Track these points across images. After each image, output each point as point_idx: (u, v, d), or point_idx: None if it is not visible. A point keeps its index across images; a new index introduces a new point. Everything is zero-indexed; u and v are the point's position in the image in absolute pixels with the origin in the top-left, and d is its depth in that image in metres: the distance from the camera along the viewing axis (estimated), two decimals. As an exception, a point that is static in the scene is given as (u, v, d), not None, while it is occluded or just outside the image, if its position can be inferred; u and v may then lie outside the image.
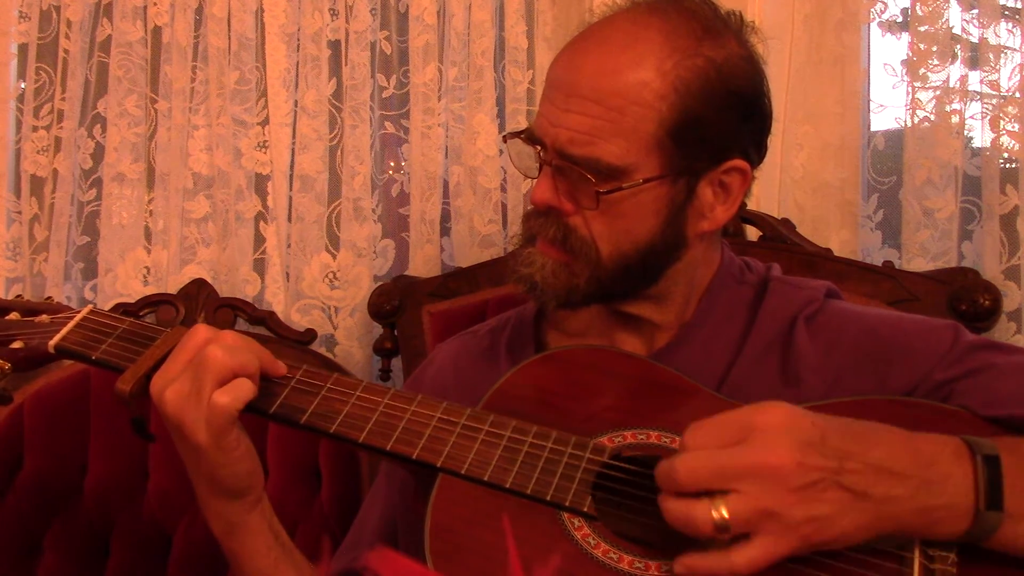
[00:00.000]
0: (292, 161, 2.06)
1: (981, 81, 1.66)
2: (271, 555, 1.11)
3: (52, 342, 1.10)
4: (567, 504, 0.93)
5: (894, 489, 0.83)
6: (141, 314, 1.95)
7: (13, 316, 1.14)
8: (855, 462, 0.83)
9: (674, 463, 0.83)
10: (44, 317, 1.13)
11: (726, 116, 1.06)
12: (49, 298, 1.24)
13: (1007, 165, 1.66)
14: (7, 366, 1.09)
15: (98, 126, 2.10)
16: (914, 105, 1.70)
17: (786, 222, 1.75)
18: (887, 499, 0.83)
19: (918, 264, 1.68)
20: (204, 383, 0.98)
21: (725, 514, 0.80)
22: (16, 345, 1.10)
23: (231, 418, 1.00)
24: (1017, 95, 1.63)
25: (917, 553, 0.86)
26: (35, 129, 2.10)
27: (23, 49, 2.12)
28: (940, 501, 0.84)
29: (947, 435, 0.88)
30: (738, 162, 1.08)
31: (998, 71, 1.64)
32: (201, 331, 1.03)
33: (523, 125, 1.91)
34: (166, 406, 1.00)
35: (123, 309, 1.94)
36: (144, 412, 1.06)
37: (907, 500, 0.84)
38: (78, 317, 1.13)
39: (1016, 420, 0.97)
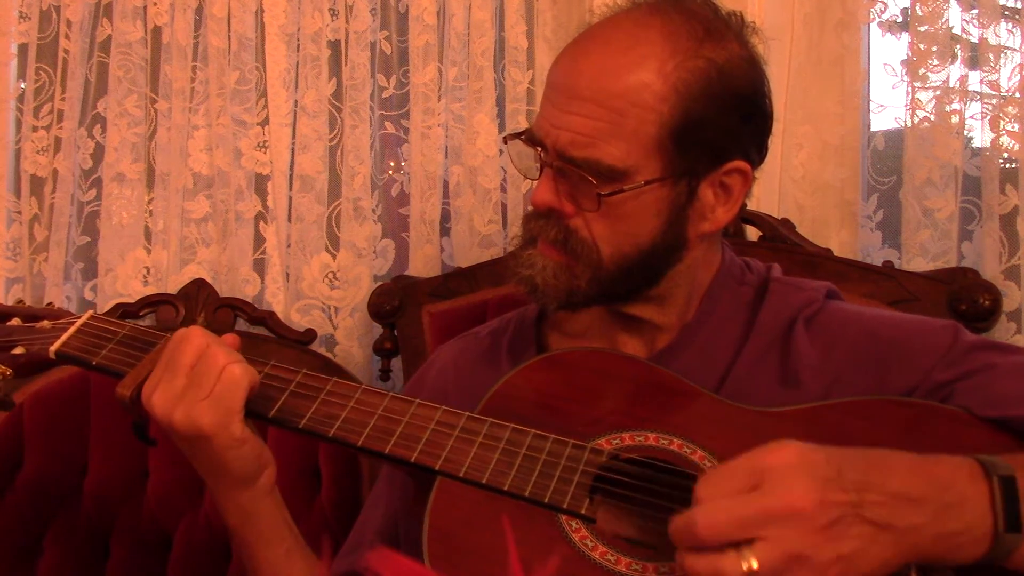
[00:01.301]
0: (292, 161, 2.06)
1: (981, 81, 1.65)
2: (284, 544, 1.12)
3: (53, 348, 1.11)
4: (565, 506, 0.93)
5: (915, 517, 0.81)
6: (141, 314, 1.95)
7: (15, 322, 1.15)
8: (875, 493, 0.81)
9: (692, 517, 0.79)
10: (45, 323, 1.14)
11: (727, 117, 1.06)
12: (50, 304, 1.24)
13: (1007, 165, 1.66)
14: (8, 372, 1.10)
15: (98, 126, 2.10)
16: (914, 105, 1.70)
17: (786, 222, 1.74)
18: (909, 528, 0.81)
19: (918, 264, 1.68)
20: (210, 369, 1.01)
21: (755, 565, 0.76)
22: (17, 351, 1.11)
23: (244, 390, 1.02)
24: (1017, 95, 1.63)
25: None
26: (35, 129, 2.11)
27: (23, 49, 2.13)
28: (960, 526, 0.82)
29: (960, 456, 0.86)
30: (739, 163, 1.08)
31: (998, 71, 1.64)
32: (196, 333, 1.04)
33: (523, 125, 1.91)
34: (154, 408, 1.02)
35: (123, 309, 1.94)
36: (145, 417, 1.06)
37: (928, 527, 0.81)
38: (79, 323, 1.13)
39: (1016, 421, 0.97)
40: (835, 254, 1.71)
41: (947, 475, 0.84)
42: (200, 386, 1.01)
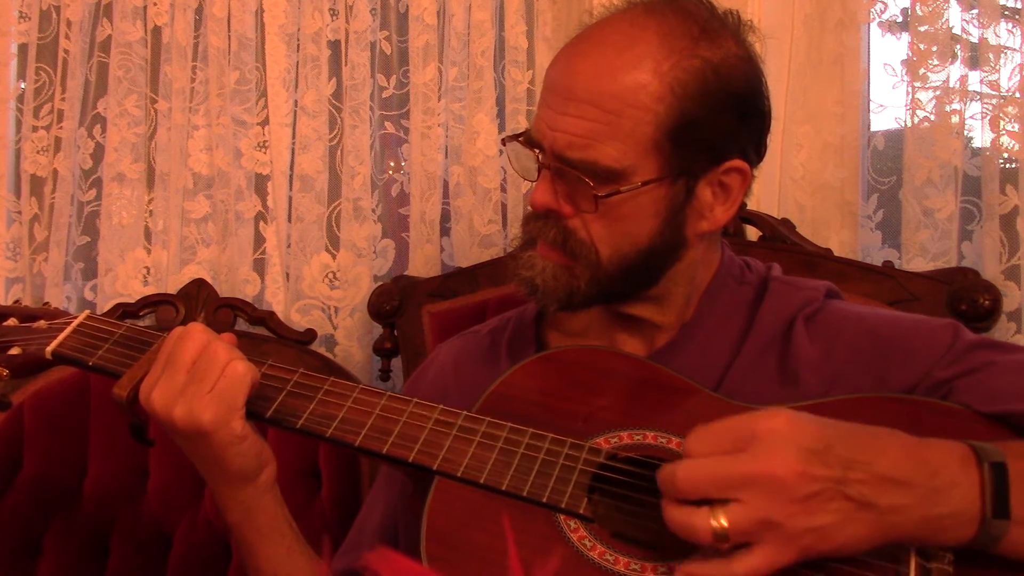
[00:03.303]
0: (292, 161, 2.06)
1: (981, 81, 1.65)
2: (285, 542, 1.12)
3: (49, 348, 1.10)
4: (563, 506, 0.93)
5: (899, 498, 0.82)
6: (141, 314, 1.95)
7: (11, 322, 1.14)
8: (860, 471, 0.82)
9: (675, 470, 0.83)
10: (42, 323, 1.14)
11: (724, 116, 1.06)
12: (47, 303, 1.24)
13: (1007, 165, 1.66)
14: (5, 372, 1.09)
15: (98, 126, 2.11)
16: (914, 105, 1.70)
17: (786, 222, 1.74)
18: (892, 509, 0.82)
19: (918, 264, 1.68)
20: (213, 365, 1.01)
21: (724, 523, 0.80)
22: (14, 351, 1.10)
23: (247, 386, 1.02)
24: (1017, 95, 1.63)
25: (913, 552, 0.86)
26: (35, 129, 2.11)
27: (23, 49, 2.13)
28: (946, 510, 0.83)
29: (954, 441, 0.87)
30: (737, 162, 1.08)
31: (998, 71, 1.64)
32: (197, 330, 1.04)
33: (523, 125, 1.92)
34: (153, 405, 1.02)
35: (123, 309, 1.94)
36: (142, 417, 1.06)
37: (912, 509, 0.83)
38: (75, 322, 1.13)
39: (1016, 416, 0.97)
40: (835, 254, 1.71)
41: (939, 459, 0.85)
42: (202, 382, 1.01)
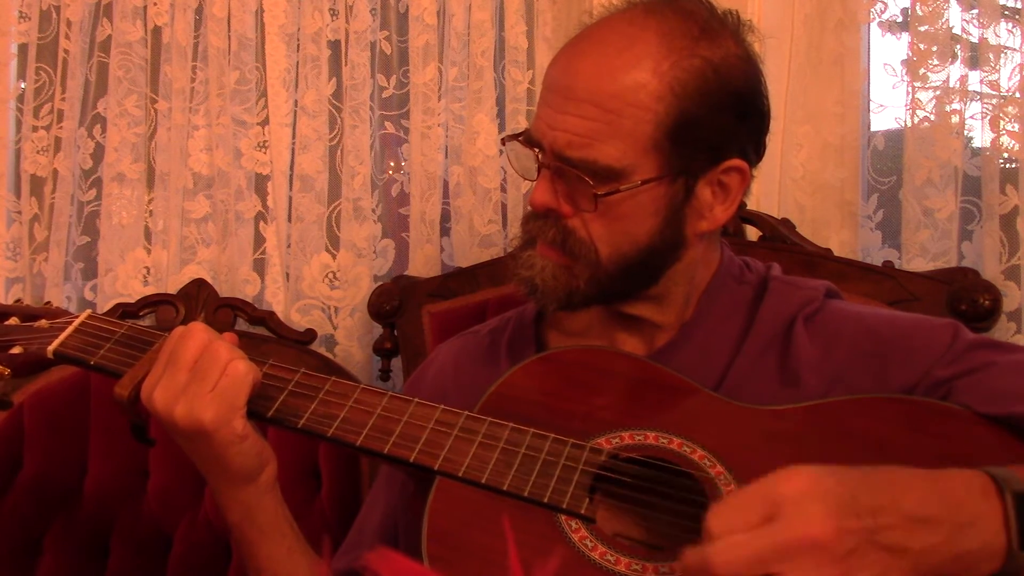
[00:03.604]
0: (292, 161, 2.06)
1: (981, 81, 1.65)
2: (285, 542, 1.12)
3: (51, 347, 1.10)
4: (564, 506, 0.93)
5: (930, 538, 0.79)
6: (141, 314, 1.95)
7: (12, 321, 1.14)
8: (888, 516, 0.78)
9: (708, 555, 0.76)
10: (43, 322, 1.14)
11: (723, 116, 1.06)
12: (48, 303, 1.24)
13: (1007, 165, 1.66)
14: (6, 371, 1.09)
15: (98, 126, 2.10)
16: (914, 105, 1.69)
17: (786, 222, 1.74)
18: (924, 551, 0.79)
19: (918, 264, 1.68)
20: (214, 364, 1.01)
21: None
22: (15, 350, 1.10)
23: (248, 386, 1.02)
24: (1017, 95, 1.63)
25: None
26: (35, 129, 2.11)
27: (23, 49, 2.13)
28: (974, 545, 0.80)
29: (971, 471, 0.84)
30: (736, 162, 1.08)
31: (998, 71, 1.64)
32: (198, 329, 1.04)
33: (523, 125, 1.92)
34: (155, 404, 1.01)
35: (123, 309, 1.94)
36: (143, 417, 1.06)
37: (943, 547, 0.79)
38: (76, 322, 1.13)
39: (1016, 417, 0.97)
40: (835, 254, 1.71)
41: (960, 492, 0.82)
42: (203, 381, 1.01)
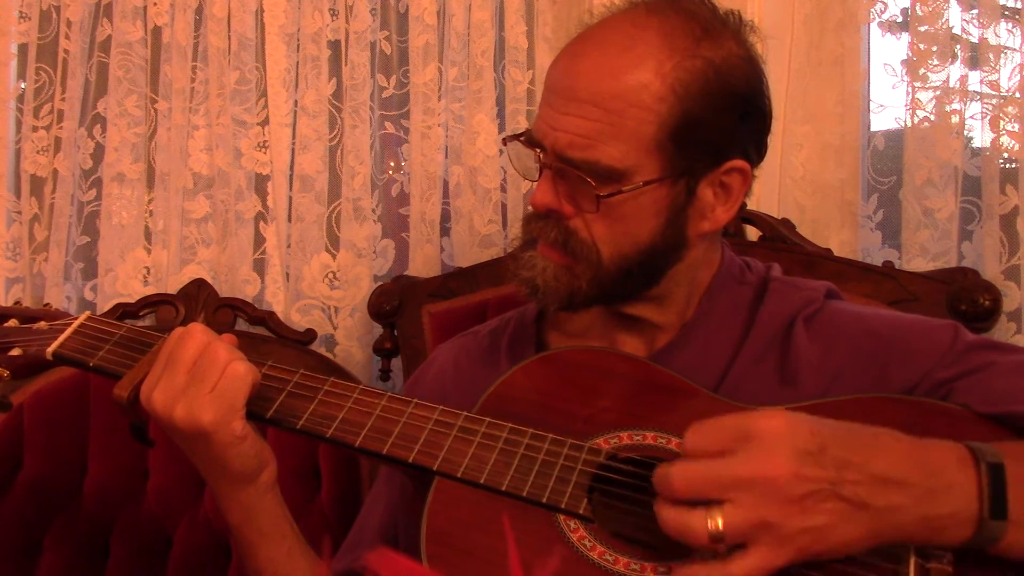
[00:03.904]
0: (292, 161, 2.06)
1: (981, 81, 1.65)
2: (285, 543, 1.12)
3: (50, 349, 1.10)
4: (563, 506, 0.93)
5: (895, 499, 0.82)
6: (141, 314, 1.95)
7: (11, 323, 1.14)
8: (854, 472, 0.82)
9: (671, 470, 0.82)
10: (42, 324, 1.14)
11: (725, 116, 1.06)
12: (47, 304, 1.24)
13: (1007, 165, 1.66)
14: (6, 373, 1.09)
15: (98, 126, 2.10)
16: (914, 105, 1.70)
17: (786, 222, 1.74)
18: (888, 509, 0.82)
19: (918, 264, 1.68)
20: (213, 365, 1.01)
21: (720, 525, 0.79)
22: (15, 352, 1.10)
23: (247, 386, 1.02)
24: (1017, 95, 1.63)
25: (912, 551, 0.86)
26: (35, 129, 2.11)
27: (23, 49, 2.12)
28: (944, 510, 0.83)
29: (952, 442, 0.87)
30: (738, 162, 1.08)
31: (998, 71, 1.64)
32: (198, 330, 1.04)
33: (523, 125, 1.92)
34: (154, 405, 1.02)
35: (123, 309, 1.94)
36: (143, 418, 1.06)
37: (909, 509, 0.83)
38: (76, 324, 1.13)
39: (1016, 417, 0.97)
40: (835, 254, 1.71)
41: (936, 460, 0.85)
42: (202, 382, 1.01)
